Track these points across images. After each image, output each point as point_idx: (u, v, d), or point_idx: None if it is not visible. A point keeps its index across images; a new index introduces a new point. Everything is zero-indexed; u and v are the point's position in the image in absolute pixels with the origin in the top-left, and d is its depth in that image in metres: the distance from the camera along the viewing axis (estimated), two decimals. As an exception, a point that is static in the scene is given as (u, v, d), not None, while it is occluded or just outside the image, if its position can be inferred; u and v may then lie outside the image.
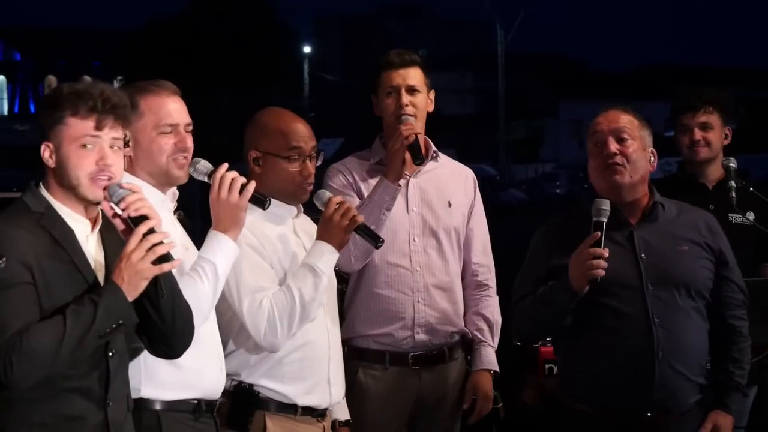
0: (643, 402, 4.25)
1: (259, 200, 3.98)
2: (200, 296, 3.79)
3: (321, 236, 4.23)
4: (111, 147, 3.46)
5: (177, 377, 3.81)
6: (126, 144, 3.87)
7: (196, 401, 3.86)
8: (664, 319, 4.25)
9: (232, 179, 3.92)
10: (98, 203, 3.47)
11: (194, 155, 3.99)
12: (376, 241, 4.30)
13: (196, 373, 3.85)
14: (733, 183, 5.25)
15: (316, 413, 4.31)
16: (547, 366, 6.18)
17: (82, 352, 3.32)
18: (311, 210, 4.42)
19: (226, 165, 4.00)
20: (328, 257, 4.20)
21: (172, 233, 3.91)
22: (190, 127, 3.97)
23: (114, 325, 3.33)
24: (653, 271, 4.28)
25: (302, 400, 4.27)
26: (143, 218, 3.40)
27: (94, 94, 3.44)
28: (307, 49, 54.23)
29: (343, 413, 4.51)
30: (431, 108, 4.96)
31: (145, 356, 3.72)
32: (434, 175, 4.97)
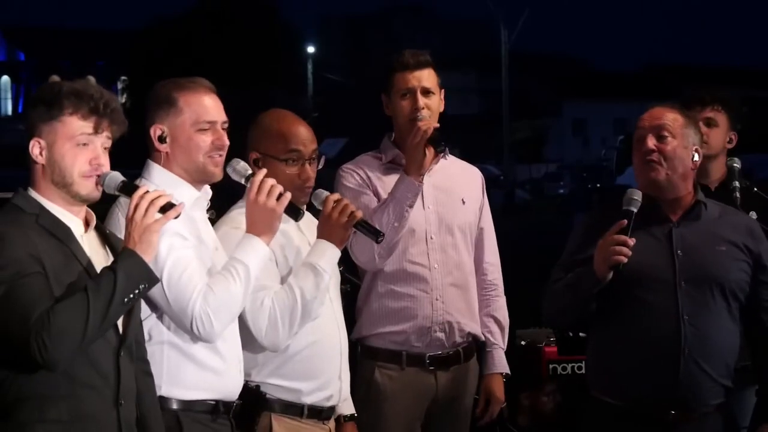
0: (665, 398, 4.27)
1: (294, 211, 4.01)
2: (231, 296, 3.82)
3: (321, 234, 4.23)
4: (104, 149, 3.52)
5: (198, 377, 3.84)
6: (162, 140, 3.90)
7: (214, 402, 3.88)
8: (693, 316, 4.28)
9: (272, 185, 3.95)
10: (90, 200, 3.51)
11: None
12: (376, 235, 4.29)
13: (217, 375, 3.88)
14: (737, 183, 5.26)
15: (323, 415, 4.32)
16: (551, 366, 6.18)
17: (105, 333, 3.36)
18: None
19: (265, 170, 4.04)
20: (329, 255, 4.20)
21: (205, 234, 3.95)
22: (227, 125, 4.00)
23: (138, 289, 3.38)
24: (688, 269, 4.30)
25: (311, 398, 4.27)
26: (133, 186, 3.51)
27: (95, 95, 3.48)
28: (310, 49, 54.23)
29: (348, 408, 4.52)
30: (442, 108, 4.95)
31: (168, 355, 3.77)
32: (446, 174, 4.96)
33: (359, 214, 4.26)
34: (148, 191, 3.45)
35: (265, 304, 4.14)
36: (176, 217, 3.46)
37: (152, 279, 3.42)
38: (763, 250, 4.43)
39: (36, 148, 3.49)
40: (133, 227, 3.41)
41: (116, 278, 3.33)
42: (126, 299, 3.35)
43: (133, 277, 3.36)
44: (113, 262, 3.39)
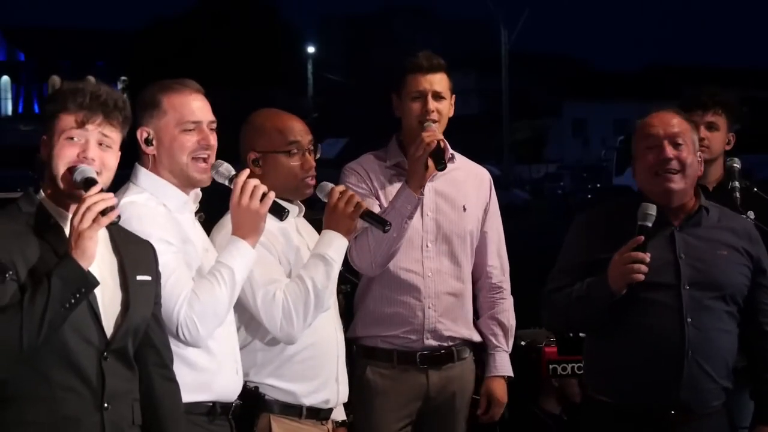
0: (668, 399, 4.26)
1: (278, 210, 3.97)
2: (217, 300, 3.79)
3: (328, 225, 4.24)
4: (100, 144, 3.46)
5: (192, 379, 3.82)
6: (149, 143, 3.89)
7: (211, 404, 3.87)
8: (696, 319, 4.26)
9: (254, 186, 3.91)
10: (76, 194, 3.43)
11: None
12: (383, 225, 4.29)
13: (211, 375, 3.86)
14: (737, 183, 5.26)
15: (321, 415, 4.32)
16: (551, 366, 6.17)
17: (56, 335, 3.31)
18: (315, 212, 4.42)
19: (247, 171, 4.00)
20: (337, 245, 4.21)
21: (193, 236, 3.92)
22: (214, 125, 3.97)
23: (76, 294, 3.31)
24: (691, 272, 4.29)
25: (310, 400, 4.27)
26: (92, 183, 3.39)
27: (85, 90, 3.45)
28: (311, 50, 54.28)
29: (339, 414, 4.52)
30: (452, 113, 4.93)
31: None
32: (450, 178, 4.93)
33: (365, 205, 4.27)
34: (95, 193, 3.33)
35: (278, 296, 4.14)
36: (115, 222, 3.37)
37: (89, 284, 3.34)
38: (762, 254, 4.43)
39: (42, 145, 3.49)
40: (72, 232, 3.33)
41: (51, 285, 3.28)
42: (67, 304, 3.30)
43: (68, 282, 3.30)
44: (53, 268, 3.32)
